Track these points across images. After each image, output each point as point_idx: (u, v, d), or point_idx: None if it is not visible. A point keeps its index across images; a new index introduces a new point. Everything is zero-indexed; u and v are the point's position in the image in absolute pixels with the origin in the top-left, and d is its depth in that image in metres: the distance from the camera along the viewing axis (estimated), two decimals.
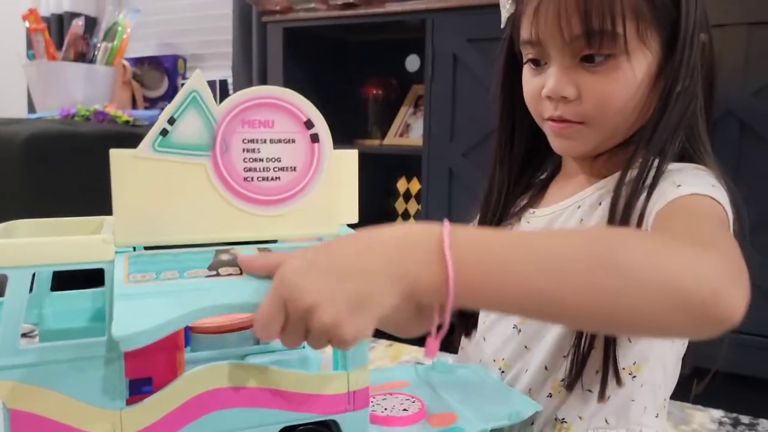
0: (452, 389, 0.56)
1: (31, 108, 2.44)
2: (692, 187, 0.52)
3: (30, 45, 2.18)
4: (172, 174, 0.40)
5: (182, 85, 2.39)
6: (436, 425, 0.49)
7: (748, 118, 1.24)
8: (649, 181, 0.54)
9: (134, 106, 2.41)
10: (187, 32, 2.50)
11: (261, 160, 0.43)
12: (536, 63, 0.62)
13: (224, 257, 0.40)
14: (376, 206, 2.02)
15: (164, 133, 0.39)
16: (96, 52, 2.23)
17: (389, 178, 2.05)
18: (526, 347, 0.62)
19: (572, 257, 0.37)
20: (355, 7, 1.69)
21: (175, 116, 0.39)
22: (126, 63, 2.38)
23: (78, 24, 2.20)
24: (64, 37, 2.36)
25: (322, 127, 0.45)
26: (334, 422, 0.44)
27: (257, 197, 0.43)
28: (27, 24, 2.14)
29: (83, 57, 2.21)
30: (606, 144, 0.61)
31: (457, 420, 0.49)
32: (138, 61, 2.47)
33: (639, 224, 0.52)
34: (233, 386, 0.40)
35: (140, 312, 0.33)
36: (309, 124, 0.44)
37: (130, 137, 1.93)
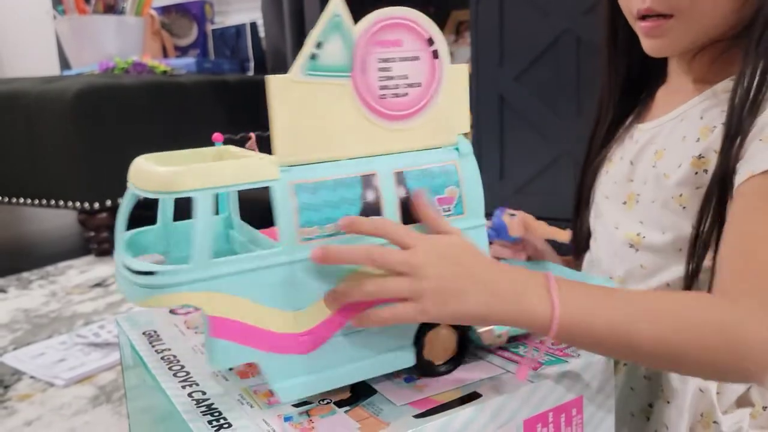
0: None
1: (64, 64, 2.50)
2: None
3: (59, 0, 2.22)
4: (321, 95, 0.45)
5: (212, 31, 2.43)
6: None
7: None
8: (755, 92, 0.55)
9: (165, 55, 2.45)
10: None
11: (392, 77, 0.47)
12: None
13: (369, 196, 0.47)
14: None
15: (313, 57, 0.44)
16: (124, 3, 2.26)
17: None
18: (641, 265, 0.65)
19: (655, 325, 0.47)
20: None
21: (321, 40, 0.44)
22: (153, 12, 2.41)
23: None
24: None
25: (441, 43, 0.49)
26: None
27: (390, 113, 0.48)
28: None
29: (112, 9, 2.24)
30: (700, 40, 0.61)
31: None
32: (165, 10, 2.49)
33: (743, 138, 0.54)
34: None
35: None
36: (431, 41, 0.49)
37: (171, 86, 1.99)
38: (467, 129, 0.52)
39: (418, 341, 0.50)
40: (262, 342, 0.44)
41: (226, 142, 0.56)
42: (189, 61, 2.20)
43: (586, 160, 0.75)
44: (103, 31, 2.18)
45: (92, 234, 1.90)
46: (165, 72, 2.05)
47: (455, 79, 0.50)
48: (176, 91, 1.99)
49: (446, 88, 0.50)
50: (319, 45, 0.44)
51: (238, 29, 2.39)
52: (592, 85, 0.76)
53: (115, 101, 1.83)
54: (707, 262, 0.58)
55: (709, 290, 0.55)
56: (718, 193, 0.56)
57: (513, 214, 0.63)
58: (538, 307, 0.46)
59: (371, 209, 0.47)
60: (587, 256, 0.74)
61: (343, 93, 0.46)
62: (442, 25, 1.98)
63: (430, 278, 0.44)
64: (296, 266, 0.45)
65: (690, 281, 0.59)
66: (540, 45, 1.56)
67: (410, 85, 0.48)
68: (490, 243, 0.65)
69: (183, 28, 2.48)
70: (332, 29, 0.44)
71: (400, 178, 0.49)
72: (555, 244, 0.76)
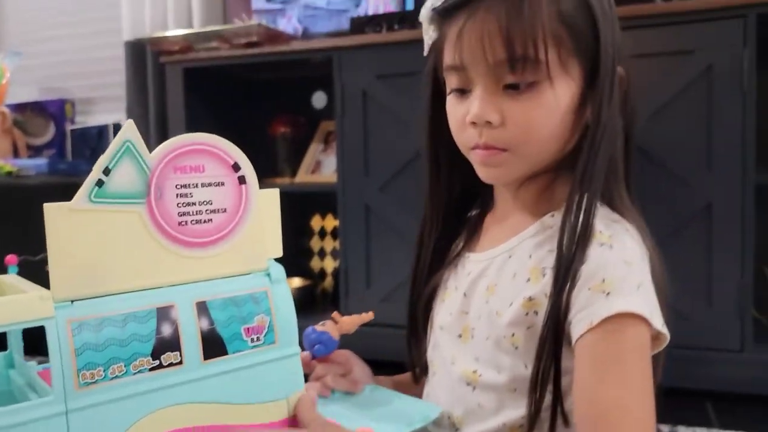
0: (357, 409, 0.61)
1: None
2: (619, 299, 0.55)
3: None
4: (108, 224, 0.43)
5: (71, 130, 2.35)
6: None
7: (645, 144, 1.38)
8: (581, 231, 0.58)
9: (17, 155, 2.33)
10: (75, 75, 2.46)
11: (194, 203, 0.46)
12: (461, 92, 0.63)
13: (165, 331, 0.44)
14: (291, 245, 2.05)
15: (100, 183, 0.42)
16: None
17: (303, 217, 2.09)
18: (479, 405, 0.64)
19: None
20: (258, 45, 1.74)
21: (110, 166, 0.42)
22: (5, 109, 2.30)
23: None
24: None
25: (248, 168, 0.49)
26: None
27: (192, 240, 0.47)
28: None
29: None
30: (532, 170, 0.64)
31: None
32: (19, 107, 2.39)
33: (572, 288, 0.57)
34: (181, 428, 0.43)
35: None
36: (236, 167, 0.49)
37: (15, 189, 1.87)
38: (279, 254, 0.52)
39: None
40: None
41: (23, 264, 0.51)
42: (41, 161, 2.09)
43: (413, 286, 0.74)
44: None
45: None
46: (10, 173, 1.93)
47: (266, 204, 0.50)
48: (21, 194, 1.86)
49: (256, 213, 0.50)
50: (106, 171, 0.42)
51: (101, 130, 2.33)
52: None
53: None
54: (546, 402, 0.59)
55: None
56: (552, 338, 0.57)
57: (323, 323, 0.65)
58: None
59: (168, 345, 0.44)
60: (426, 388, 0.72)
61: (136, 221, 0.44)
62: (311, 134, 2.05)
63: None
64: (73, 417, 0.40)
65: (532, 423, 0.59)
66: (403, 157, 1.64)
67: (214, 211, 0.48)
68: (310, 359, 0.65)
69: (38, 127, 2.37)
70: (123, 155, 0.43)
71: (203, 308, 0.47)
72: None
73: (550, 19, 0.58)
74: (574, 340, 0.57)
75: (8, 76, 2.16)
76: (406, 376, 0.77)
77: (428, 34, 0.66)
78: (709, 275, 1.38)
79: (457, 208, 0.74)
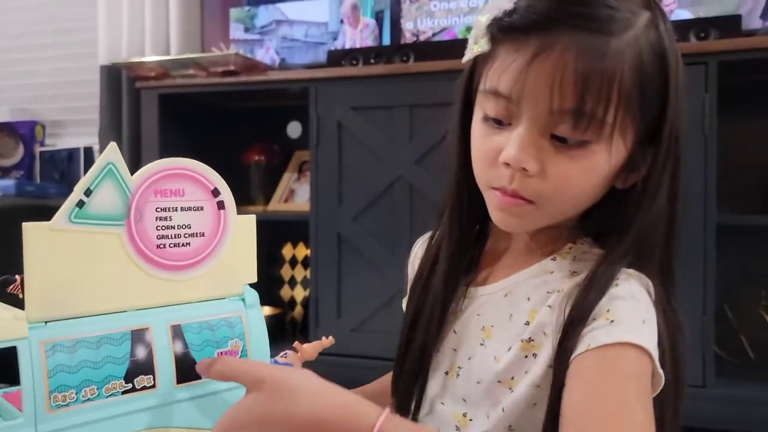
0: None
1: None
2: (623, 327, 0.52)
3: None
4: (87, 245, 0.43)
5: (40, 153, 2.32)
6: None
7: None
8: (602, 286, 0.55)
9: None
10: (47, 98, 2.44)
11: (173, 227, 0.47)
12: (497, 122, 0.57)
13: (139, 353, 0.45)
14: (261, 273, 2.03)
15: (80, 204, 0.43)
16: None
17: (274, 245, 2.09)
18: None
19: None
20: (235, 74, 1.76)
21: (91, 187, 0.43)
22: None
23: None
24: None
25: (227, 194, 0.50)
26: None
27: (169, 263, 0.47)
28: None
29: None
30: (548, 224, 0.60)
31: None
32: None
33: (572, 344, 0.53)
34: None
35: None
36: (216, 192, 0.50)
37: None
38: (254, 279, 0.53)
39: None
40: None
41: None
42: (8, 183, 2.06)
43: (415, 317, 0.67)
44: None
45: None
46: None
47: (242, 229, 0.51)
48: None
49: (232, 238, 0.51)
50: (88, 192, 0.43)
51: (71, 153, 2.31)
52: (423, 228, 0.75)
53: None
54: None
55: None
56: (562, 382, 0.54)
57: (285, 355, 0.64)
58: None
59: (141, 368, 0.45)
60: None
61: (115, 242, 0.44)
62: (286, 163, 2.06)
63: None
64: None
65: None
66: (377, 188, 1.66)
67: (192, 235, 0.48)
68: None
69: (7, 148, 2.34)
70: (105, 177, 0.43)
71: (177, 331, 0.47)
72: None
73: (630, 72, 0.53)
74: (570, 358, 0.53)
75: None
76: (371, 389, 0.74)
77: (477, 43, 0.57)
78: None
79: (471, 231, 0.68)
